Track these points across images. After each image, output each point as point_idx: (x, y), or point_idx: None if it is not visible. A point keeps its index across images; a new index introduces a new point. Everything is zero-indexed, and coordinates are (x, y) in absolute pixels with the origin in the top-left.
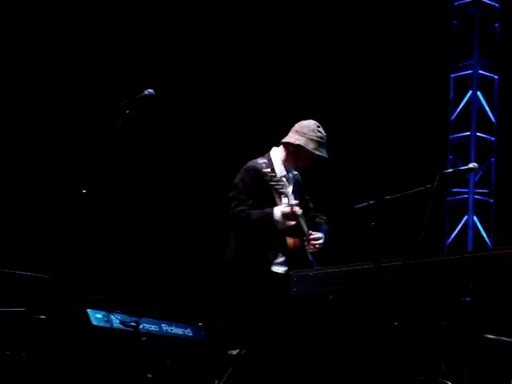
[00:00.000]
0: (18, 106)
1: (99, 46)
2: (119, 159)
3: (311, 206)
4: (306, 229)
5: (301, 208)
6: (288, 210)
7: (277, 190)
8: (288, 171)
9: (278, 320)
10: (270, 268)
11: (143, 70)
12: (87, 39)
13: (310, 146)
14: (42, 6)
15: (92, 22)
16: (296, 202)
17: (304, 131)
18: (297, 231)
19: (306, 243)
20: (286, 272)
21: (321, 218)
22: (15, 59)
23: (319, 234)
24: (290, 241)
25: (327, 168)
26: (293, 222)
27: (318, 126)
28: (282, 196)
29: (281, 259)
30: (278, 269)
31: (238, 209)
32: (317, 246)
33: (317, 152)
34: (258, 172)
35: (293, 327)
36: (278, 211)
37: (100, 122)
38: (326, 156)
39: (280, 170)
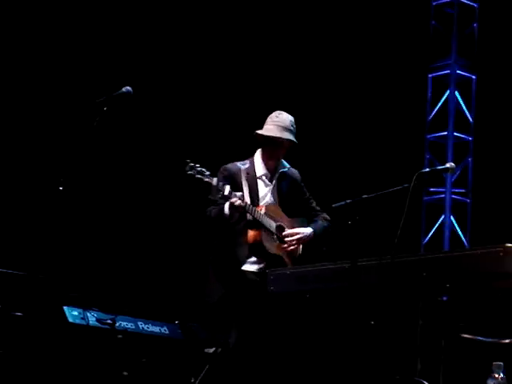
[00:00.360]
0: None
1: (76, 42)
2: (96, 157)
3: (313, 204)
4: (272, 224)
5: (281, 204)
6: (229, 202)
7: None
8: (274, 169)
9: (249, 318)
10: (240, 267)
11: (121, 66)
12: (64, 35)
13: (265, 129)
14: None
15: (69, 17)
16: (240, 193)
17: (266, 121)
18: (257, 225)
19: (278, 241)
20: (260, 270)
21: (320, 216)
22: None
23: (296, 230)
24: (249, 233)
25: (305, 166)
26: (249, 217)
27: (280, 113)
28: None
29: (254, 258)
30: (250, 267)
31: (208, 209)
32: (293, 242)
33: (270, 133)
34: (228, 173)
35: (269, 326)
36: (226, 205)
37: (77, 119)
38: (279, 136)
39: (260, 169)
